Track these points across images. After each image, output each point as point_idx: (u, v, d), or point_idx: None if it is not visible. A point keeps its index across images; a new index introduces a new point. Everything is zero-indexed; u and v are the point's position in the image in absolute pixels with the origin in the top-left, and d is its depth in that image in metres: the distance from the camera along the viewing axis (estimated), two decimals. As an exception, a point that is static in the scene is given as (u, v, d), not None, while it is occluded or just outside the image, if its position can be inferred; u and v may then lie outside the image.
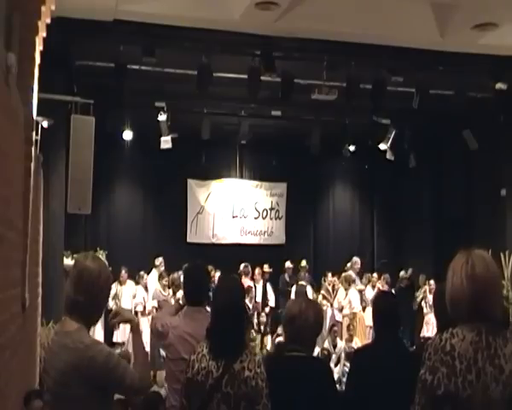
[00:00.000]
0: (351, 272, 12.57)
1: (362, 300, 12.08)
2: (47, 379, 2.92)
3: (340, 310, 11.99)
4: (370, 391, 3.47)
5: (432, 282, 12.09)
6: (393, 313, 3.78)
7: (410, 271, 13.30)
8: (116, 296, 11.61)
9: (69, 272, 2.99)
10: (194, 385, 3.03)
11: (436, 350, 2.44)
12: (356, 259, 13.07)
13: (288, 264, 13.23)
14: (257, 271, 12.78)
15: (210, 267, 11.85)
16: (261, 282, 12.69)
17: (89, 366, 2.75)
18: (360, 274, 12.95)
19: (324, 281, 12.89)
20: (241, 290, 3.36)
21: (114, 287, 11.75)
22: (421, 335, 11.75)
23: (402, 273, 13.23)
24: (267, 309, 12.31)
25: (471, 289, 2.43)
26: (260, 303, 12.34)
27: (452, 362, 2.38)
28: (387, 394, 3.39)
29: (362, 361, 3.76)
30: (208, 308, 3.95)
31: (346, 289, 12.09)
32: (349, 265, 13.04)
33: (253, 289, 12.10)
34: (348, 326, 11.01)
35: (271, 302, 12.60)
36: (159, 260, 12.12)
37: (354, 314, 11.75)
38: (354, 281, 12.35)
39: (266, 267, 13.10)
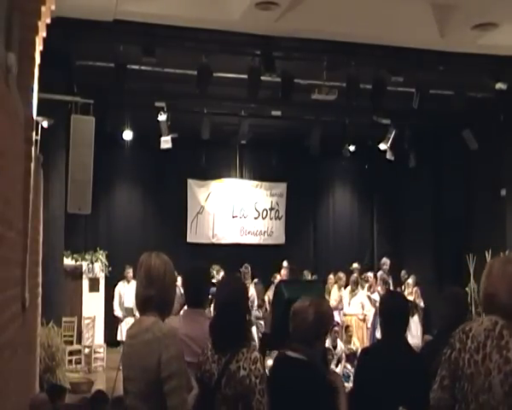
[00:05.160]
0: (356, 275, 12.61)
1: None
2: (130, 385, 2.95)
3: (335, 309, 11.97)
4: (376, 389, 3.47)
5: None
6: (401, 313, 3.78)
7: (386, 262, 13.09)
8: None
9: (137, 273, 3.14)
10: (202, 386, 3.09)
11: (460, 330, 2.74)
12: (385, 260, 13.10)
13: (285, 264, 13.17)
14: (282, 272, 12.30)
15: (217, 267, 11.88)
16: None
17: (163, 354, 2.81)
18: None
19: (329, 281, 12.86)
20: (242, 289, 3.36)
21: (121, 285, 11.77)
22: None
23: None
24: None
25: (504, 287, 2.66)
26: None
27: (466, 340, 2.66)
28: (393, 392, 3.40)
29: (368, 359, 3.77)
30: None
31: (353, 291, 12.06)
32: (354, 264, 13.12)
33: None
34: (347, 328, 10.99)
35: None
36: None
37: (365, 316, 11.75)
38: (358, 283, 12.33)
39: (285, 263, 12.85)
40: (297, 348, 3.33)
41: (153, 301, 2.99)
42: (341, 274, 12.57)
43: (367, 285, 12.12)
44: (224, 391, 2.97)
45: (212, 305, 3.42)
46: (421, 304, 11.89)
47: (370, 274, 12.78)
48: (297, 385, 3.21)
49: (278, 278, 12.37)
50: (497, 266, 2.73)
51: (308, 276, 13.28)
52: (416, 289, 11.96)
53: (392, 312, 3.76)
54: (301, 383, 3.22)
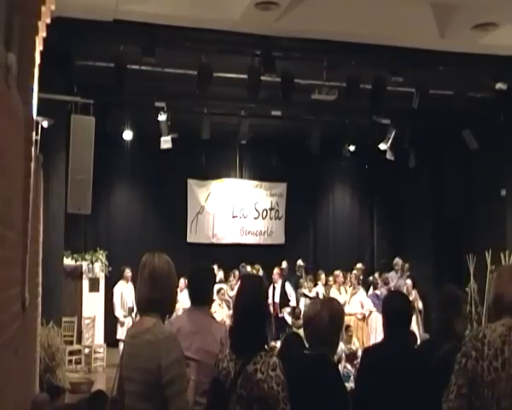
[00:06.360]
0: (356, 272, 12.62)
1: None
2: (129, 385, 2.94)
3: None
4: (378, 389, 3.47)
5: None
6: (403, 312, 3.78)
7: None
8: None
9: (140, 273, 3.08)
10: (217, 385, 3.07)
11: (471, 337, 2.79)
12: (397, 260, 13.10)
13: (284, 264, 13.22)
14: (275, 271, 12.44)
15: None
16: (280, 281, 12.31)
17: (163, 358, 2.81)
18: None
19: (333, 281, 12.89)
20: (263, 290, 3.34)
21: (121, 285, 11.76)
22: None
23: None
24: (288, 309, 11.92)
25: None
26: (278, 304, 12.03)
27: (482, 347, 2.69)
28: (395, 392, 3.40)
29: (370, 360, 3.77)
30: (213, 309, 3.98)
31: (354, 289, 12.08)
32: (359, 264, 13.21)
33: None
34: (347, 328, 10.96)
35: (293, 302, 12.13)
36: None
37: (364, 315, 11.74)
38: (359, 283, 12.34)
39: (284, 264, 13.01)
40: (314, 348, 3.37)
41: (156, 302, 2.98)
42: (337, 272, 12.57)
43: (349, 285, 12.14)
44: (240, 391, 2.94)
45: (232, 307, 3.43)
46: (420, 305, 11.88)
47: (376, 275, 12.84)
48: (314, 378, 3.23)
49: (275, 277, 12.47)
50: (507, 271, 2.90)
51: (302, 263, 13.39)
52: (414, 290, 12.01)
53: (394, 312, 3.76)
54: (318, 377, 3.23)
